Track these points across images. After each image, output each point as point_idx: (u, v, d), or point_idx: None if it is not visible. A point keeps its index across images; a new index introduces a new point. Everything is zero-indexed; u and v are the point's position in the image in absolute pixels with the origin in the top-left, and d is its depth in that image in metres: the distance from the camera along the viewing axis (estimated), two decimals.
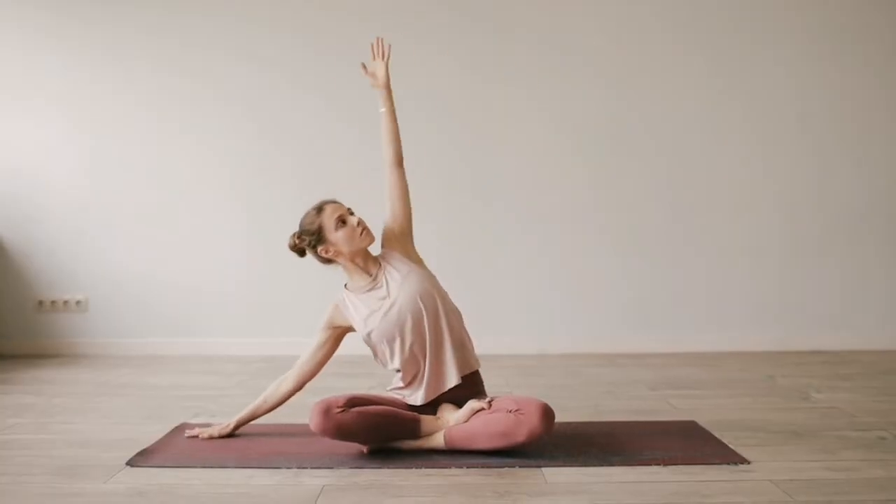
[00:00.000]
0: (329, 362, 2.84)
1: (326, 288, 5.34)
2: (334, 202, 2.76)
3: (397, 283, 2.69)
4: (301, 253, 2.78)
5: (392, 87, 2.82)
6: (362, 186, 4.92)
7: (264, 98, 4.88)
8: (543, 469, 2.42)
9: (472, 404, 2.59)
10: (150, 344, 4.85)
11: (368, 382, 3.83)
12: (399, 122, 2.82)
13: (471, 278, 4.86)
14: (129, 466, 2.49)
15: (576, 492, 2.22)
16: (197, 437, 2.82)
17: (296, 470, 2.44)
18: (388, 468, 2.44)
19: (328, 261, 2.76)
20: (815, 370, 4.12)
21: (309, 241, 2.73)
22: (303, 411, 2.78)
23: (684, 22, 4.86)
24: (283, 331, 4.82)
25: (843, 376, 3.93)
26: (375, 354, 2.74)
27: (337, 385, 3.58)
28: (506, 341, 4.76)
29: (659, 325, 4.85)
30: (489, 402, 2.59)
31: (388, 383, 2.80)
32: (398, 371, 2.71)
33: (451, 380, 2.65)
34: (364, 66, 2.85)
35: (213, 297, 4.87)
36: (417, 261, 2.80)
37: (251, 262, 4.88)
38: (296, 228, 2.76)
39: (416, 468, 2.44)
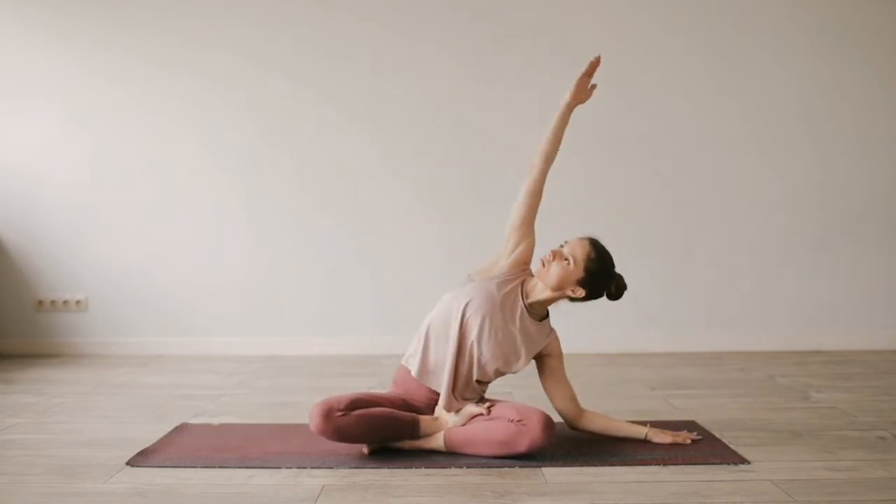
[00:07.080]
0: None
1: (326, 288, 5.31)
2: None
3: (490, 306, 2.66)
4: None
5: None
6: (362, 186, 4.95)
7: (264, 98, 4.88)
8: (543, 469, 2.42)
9: (469, 409, 2.59)
10: (150, 343, 4.85)
11: (368, 382, 3.83)
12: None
13: None
14: (129, 466, 2.49)
15: (576, 492, 2.22)
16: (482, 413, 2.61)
17: (296, 470, 2.44)
18: (388, 468, 2.44)
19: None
20: (815, 370, 4.12)
21: None
22: (303, 411, 2.78)
23: (684, 22, 4.86)
24: (283, 330, 4.82)
25: (843, 376, 3.93)
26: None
27: (337, 385, 3.58)
28: None
29: (659, 325, 4.85)
30: (488, 407, 2.59)
31: (388, 384, 2.79)
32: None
33: (442, 388, 2.64)
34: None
35: (213, 297, 4.86)
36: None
37: (251, 261, 4.88)
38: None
39: (416, 468, 2.44)
